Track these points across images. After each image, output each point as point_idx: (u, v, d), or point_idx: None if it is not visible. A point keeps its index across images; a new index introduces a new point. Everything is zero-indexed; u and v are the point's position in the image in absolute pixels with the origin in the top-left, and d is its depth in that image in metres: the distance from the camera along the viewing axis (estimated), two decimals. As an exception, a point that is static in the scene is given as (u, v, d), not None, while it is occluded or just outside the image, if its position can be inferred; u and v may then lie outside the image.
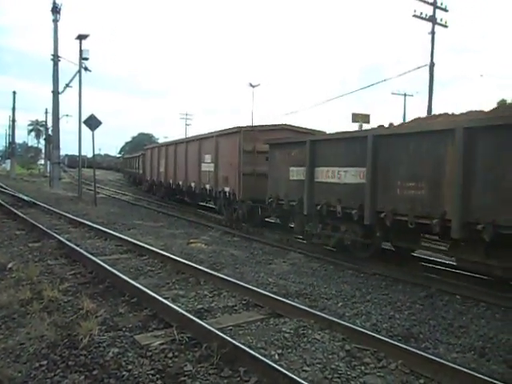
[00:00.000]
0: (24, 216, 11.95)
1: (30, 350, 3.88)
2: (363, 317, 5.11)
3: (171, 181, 17.61)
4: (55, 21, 24.45)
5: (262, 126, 12.62)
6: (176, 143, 17.77)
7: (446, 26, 22.22)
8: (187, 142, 16.42)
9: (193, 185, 15.17)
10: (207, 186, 13.81)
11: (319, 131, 11.91)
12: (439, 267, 7.72)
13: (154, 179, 20.75)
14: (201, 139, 14.69)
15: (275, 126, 12.67)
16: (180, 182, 16.53)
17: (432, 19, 21.59)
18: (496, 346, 4.39)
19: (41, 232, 9.72)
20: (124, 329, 4.42)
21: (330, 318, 4.68)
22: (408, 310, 5.45)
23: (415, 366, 3.71)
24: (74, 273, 6.58)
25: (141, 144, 67.12)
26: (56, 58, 24.44)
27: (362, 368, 3.75)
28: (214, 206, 15.03)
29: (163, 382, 3.41)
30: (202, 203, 17.16)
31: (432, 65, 21.08)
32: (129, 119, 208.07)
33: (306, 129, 12.29)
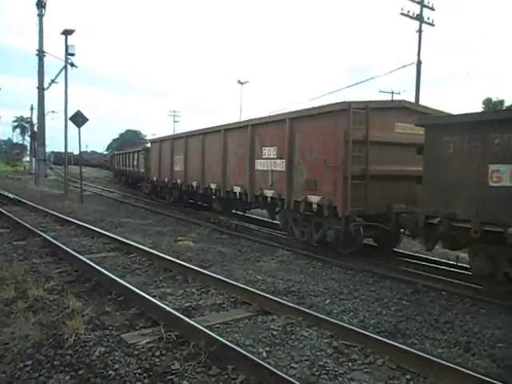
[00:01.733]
0: (8, 214, 11.75)
1: (14, 350, 3.82)
2: (351, 313, 5.15)
3: (195, 183, 13.49)
4: (40, 15, 24.04)
5: (373, 101, 8.20)
6: (203, 133, 13.13)
7: (432, 25, 22.44)
8: (226, 130, 11.72)
9: (237, 189, 10.98)
10: (268, 193, 9.66)
11: (441, 111, 8.57)
12: (422, 262, 7.83)
13: (165, 180, 16.36)
14: (254, 125, 10.35)
15: (391, 102, 9.75)
16: (211, 186, 12.37)
17: (419, 17, 21.77)
18: (481, 340, 4.46)
19: (26, 230, 9.57)
20: (111, 327, 4.38)
21: (318, 314, 4.70)
22: (395, 306, 5.50)
23: (402, 362, 3.75)
24: (60, 271, 6.50)
25: (128, 141, 66.52)
26: (41, 54, 24.05)
27: (350, 364, 3.78)
28: (271, 220, 11.25)
29: (150, 381, 3.38)
30: (234, 211, 13.25)
31: (419, 63, 21.26)
32: (116, 116, 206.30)
33: (429, 108, 8.73)
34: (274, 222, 10.94)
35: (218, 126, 12.25)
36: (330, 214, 7.93)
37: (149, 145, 20.94)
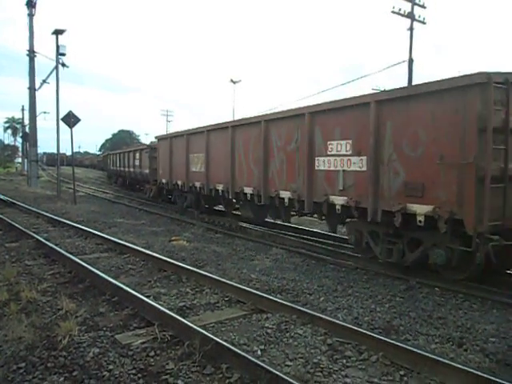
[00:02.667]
0: (0, 215, 11.67)
1: (7, 353, 3.80)
2: (345, 311, 5.17)
3: (222, 187, 11.35)
4: (30, 15, 23.82)
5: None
6: (234, 126, 10.92)
7: (424, 23, 22.55)
8: (268, 121, 9.54)
9: (285, 195, 8.89)
10: (337, 200, 7.59)
11: None
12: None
13: (177, 183, 14.08)
14: (314, 113, 8.17)
15: None
16: (245, 190, 10.28)
17: (410, 16, 21.86)
18: (473, 335, 4.49)
19: (18, 232, 9.51)
20: (104, 328, 4.37)
21: (312, 312, 4.72)
22: (389, 302, 5.53)
23: (396, 358, 3.77)
24: (53, 273, 6.47)
25: (121, 141, 66.32)
26: (32, 54, 23.84)
27: (344, 361, 3.79)
28: (331, 232, 9.62)
29: (145, 381, 3.38)
30: (271, 219, 11.25)
31: (411, 61, 21.36)
32: (108, 116, 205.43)
33: None
34: (330, 234, 9.70)
35: (254, 117, 10.30)
36: (450, 229, 5.94)
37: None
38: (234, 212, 13.01)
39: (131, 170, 22.59)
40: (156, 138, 17.07)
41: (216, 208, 13.82)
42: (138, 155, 21.05)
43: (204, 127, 12.45)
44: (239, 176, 10.68)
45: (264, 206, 10.06)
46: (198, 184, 12.70)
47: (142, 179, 20.83)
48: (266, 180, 9.56)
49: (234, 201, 12.03)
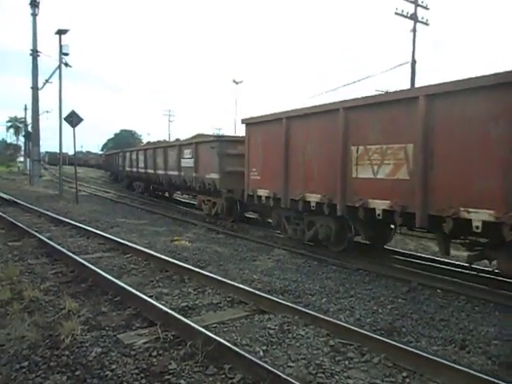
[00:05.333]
0: (3, 214, 11.70)
1: (10, 352, 3.80)
2: (347, 312, 5.17)
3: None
4: (34, 15, 23.92)
5: None
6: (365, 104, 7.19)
7: (427, 24, 22.55)
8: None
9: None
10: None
11: None
12: (417, 260, 7.86)
13: (306, 198, 8.35)
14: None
15: None
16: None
17: (413, 17, 21.86)
18: (476, 338, 4.49)
19: (21, 231, 9.53)
20: (107, 328, 4.37)
21: (315, 313, 4.72)
22: (391, 304, 5.53)
23: (398, 360, 3.76)
24: (56, 272, 6.48)
25: (123, 140, 66.28)
26: (35, 53, 23.92)
27: (346, 363, 3.79)
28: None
29: (147, 381, 3.38)
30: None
31: (414, 62, 21.36)
32: (110, 116, 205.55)
33: None
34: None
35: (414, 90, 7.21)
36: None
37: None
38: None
39: (168, 173, 16.03)
40: (244, 121, 10.54)
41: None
42: (188, 151, 14.17)
43: (319, 107, 8.26)
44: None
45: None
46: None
47: (186, 187, 14.74)
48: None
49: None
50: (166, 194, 19.80)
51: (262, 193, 9.80)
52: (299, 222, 9.16)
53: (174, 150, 15.44)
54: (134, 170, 21.00)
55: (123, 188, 24.73)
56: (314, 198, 8.24)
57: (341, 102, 7.71)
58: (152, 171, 17.92)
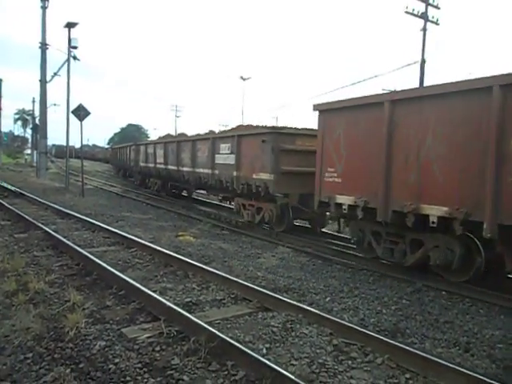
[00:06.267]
0: (10, 206, 11.77)
1: (14, 343, 3.83)
2: (351, 312, 5.15)
3: None
4: (43, 8, 23.93)
5: None
6: None
7: (437, 24, 22.36)
8: None
9: None
10: None
11: None
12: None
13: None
14: None
15: None
16: None
17: (424, 16, 21.68)
18: (480, 341, 4.46)
19: (27, 223, 9.58)
20: (111, 322, 4.39)
21: (318, 312, 4.71)
22: (395, 305, 5.51)
23: (401, 361, 3.75)
24: (61, 264, 6.51)
25: (130, 135, 66.53)
26: (44, 46, 23.97)
27: (349, 362, 3.78)
28: None
29: (150, 376, 3.39)
30: None
31: (423, 62, 21.19)
32: (116, 110, 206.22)
33: None
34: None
35: None
36: None
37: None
38: None
39: (198, 170, 13.55)
40: (317, 108, 8.27)
41: None
42: (226, 146, 11.80)
43: None
44: None
45: None
46: None
47: (219, 186, 12.41)
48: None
49: None
50: (184, 193, 17.89)
51: (344, 200, 7.55)
52: (397, 240, 7.08)
53: (206, 144, 12.99)
54: (151, 165, 18.46)
55: (132, 184, 23.79)
56: (436, 212, 6.13)
57: (494, 76, 5.54)
58: (174, 168, 15.50)
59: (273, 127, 10.42)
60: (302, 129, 10.11)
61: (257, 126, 11.30)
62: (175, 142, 15.74)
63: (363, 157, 7.31)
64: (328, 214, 9.03)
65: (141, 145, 21.13)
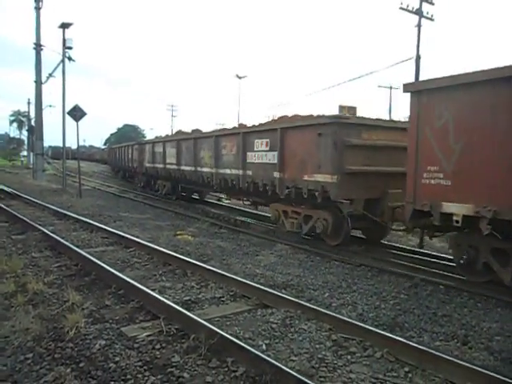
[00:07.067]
0: (6, 208, 11.74)
1: (14, 343, 3.83)
2: (349, 307, 5.18)
3: None
4: (37, 8, 23.81)
5: None
6: None
7: (432, 20, 22.39)
8: None
9: None
10: None
11: None
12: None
13: None
14: None
15: None
16: None
17: (418, 12, 21.70)
18: (478, 333, 4.49)
19: (24, 224, 9.56)
20: (111, 321, 4.40)
21: (317, 308, 4.73)
22: (393, 299, 5.54)
23: (400, 355, 3.77)
24: (59, 265, 6.50)
25: (126, 135, 66.38)
26: (38, 47, 23.86)
27: (349, 357, 3.80)
28: None
29: (151, 374, 3.40)
30: None
31: (418, 58, 21.21)
32: (112, 111, 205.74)
33: None
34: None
35: None
36: None
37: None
38: None
39: (222, 171, 11.69)
40: (409, 88, 6.60)
41: None
42: (263, 142, 9.93)
43: None
44: None
45: None
46: None
47: (253, 190, 10.43)
48: None
49: None
50: (195, 196, 16.81)
51: (457, 209, 5.86)
52: None
53: (234, 141, 11.01)
54: (159, 166, 16.53)
55: (130, 185, 23.74)
56: None
57: None
58: (190, 168, 13.60)
59: (334, 116, 8.23)
60: (368, 119, 8.46)
61: (309, 116, 9.30)
62: (191, 139, 13.68)
63: (494, 150, 5.49)
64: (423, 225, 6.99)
65: (146, 144, 19.12)
